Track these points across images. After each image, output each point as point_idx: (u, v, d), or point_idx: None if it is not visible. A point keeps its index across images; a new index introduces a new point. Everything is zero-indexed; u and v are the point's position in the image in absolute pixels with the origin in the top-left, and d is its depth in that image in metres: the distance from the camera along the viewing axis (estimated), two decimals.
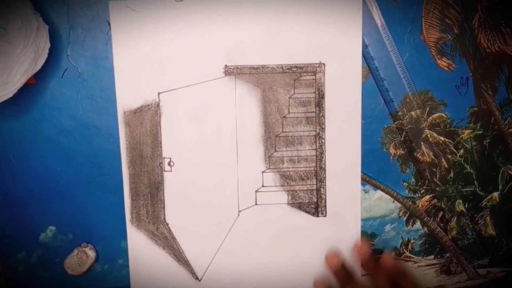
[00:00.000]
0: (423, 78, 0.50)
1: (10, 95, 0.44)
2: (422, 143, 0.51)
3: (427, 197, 0.52)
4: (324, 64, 0.49)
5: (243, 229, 0.51)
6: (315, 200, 0.51)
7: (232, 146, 0.50)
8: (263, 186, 0.51)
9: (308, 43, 0.48)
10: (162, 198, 0.50)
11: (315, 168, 0.51)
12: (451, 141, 0.51)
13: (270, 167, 0.51)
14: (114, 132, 0.49)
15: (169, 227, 0.50)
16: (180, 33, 0.47)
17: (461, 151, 0.51)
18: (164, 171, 0.50)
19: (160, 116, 0.49)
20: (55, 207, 0.51)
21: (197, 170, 0.50)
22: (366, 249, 0.50)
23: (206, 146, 0.50)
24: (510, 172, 0.52)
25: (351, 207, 0.51)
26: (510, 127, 0.51)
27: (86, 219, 0.50)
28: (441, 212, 0.52)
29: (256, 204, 0.51)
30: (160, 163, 0.49)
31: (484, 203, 0.52)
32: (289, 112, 0.50)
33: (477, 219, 0.52)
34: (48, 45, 0.45)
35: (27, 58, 0.44)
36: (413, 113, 0.50)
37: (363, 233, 0.52)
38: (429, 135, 0.51)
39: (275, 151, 0.51)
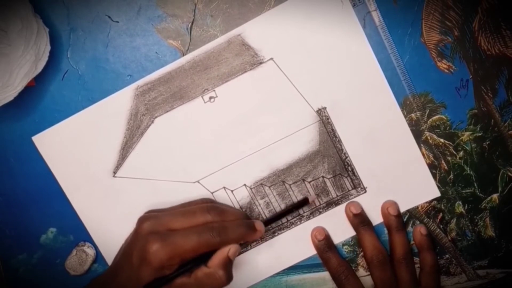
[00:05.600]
0: (423, 80, 0.50)
1: (11, 98, 0.44)
2: (422, 145, 0.51)
3: None
4: (365, 191, 0.51)
5: (180, 192, 0.51)
6: (241, 242, 0.51)
7: (254, 145, 0.50)
8: (232, 191, 0.51)
9: (378, 170, 0.51)
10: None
11: (270, 228, 0.52)
12: (451, 143, 0.51)
13: (252, 189, 0.51)
14: None
15: (149, 125, 0.50)
16: None
17: (461, 153, 0.51)
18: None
19: None
20: (56, 208, 0.51)
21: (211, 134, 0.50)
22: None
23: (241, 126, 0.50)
24: (509, 174, 0.52)
25: None
26: (510, 129, 0.51)
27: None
28: (441, 214, 0.52)
29: (212, 193, 0.51)
30: None
31: (484, 204, 0.52)
32: (309, 182, 0.51)
33: (476, 220, 0.53)
34: (49, 47, 0.45)
35: (27, 61, 0.44)
36: (413, 115, 0.50)
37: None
38: (429, 137, 0.51)
39: (269, 187, 0.51)
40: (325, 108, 0.50)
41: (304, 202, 0.50)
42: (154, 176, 0.50)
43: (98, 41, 0.48)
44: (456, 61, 0.50)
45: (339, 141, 0.50)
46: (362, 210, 0.51)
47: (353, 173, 0.51)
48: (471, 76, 0.50)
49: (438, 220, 0.52)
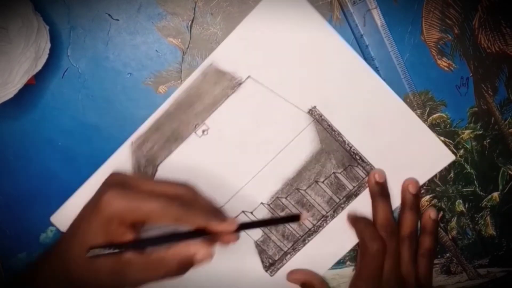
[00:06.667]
0: (424, 78, 0.50)
1: (10, 95, 0.44)
2: None
3: (427, 197, 0.52)
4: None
5: None
6: (276, 258, 0.52)
7: (259, 163, 0.50)
8: (251, 213, 0.51)
9: (385, 150, 0.50)
10: None
11: (299, 237, 0.52)
12: (451, 141, 0.51)
13: (270, 205, 0.51)
14: (115, 133, 0.49)
15: (154, 174, 0.50)
16: None
17: (461, 151, 0.51)
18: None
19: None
20: (56, 207, 0.51)
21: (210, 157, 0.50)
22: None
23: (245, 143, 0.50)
24: (510, 172, 0.52)
25: None
26: (511, 127, 0.51)
27: None
28: (441, 212, 0.52)
29: None
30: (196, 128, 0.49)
31: (484, 203, 0.52)
32: (322, 182, 0.51)
33: (477, 219, 0.52)
34: (49, 45, 0.45)
35: (27, 58, 0.44)
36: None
37: None
38: None
39: (285, 198, 0.51)
40: (315, 107, 0.50)
41: (295, 218, 0.47)
42: None
43: (98, 39, 0.48)
44: (456, 59, 0.50)
45: (339, 134, 0.50)
46: (385, 181, 0.50)
47: (362, 160, 0.51)
48: (471, 74, 0.50)
49: (438, 218, 0.52)
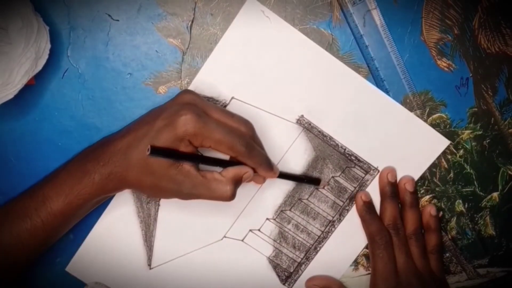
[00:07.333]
0: (423, 78, 0.50)
1: (11, 96, 0.44)
2: None
3: (427, 197, 0.52)
4: (378, 171, 0.50)
5: (214, 253, 0.52)
6: (291, 270, 0.52)
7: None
8: (259, 230, 0.52)
9: (379, 146, 0.50)
10: None
11: (310, 246, 0.52)
12: (451, 142, 0.51)
13: (276, 219, 0.52)
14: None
15: (157, 209, 0.51)
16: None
17: (461, 151, 0.51)
18: None
19: None
20: None
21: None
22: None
23: None
24: (510, 172, 0.52)
25: None
26: (510, 127, 0.51)
27: (86, 219, 0.50)
28: (441, 212, 0.52)
29: (242, 240, 0.52)
30: None
31: (484, 203, 0.52)
32: (323, 188, 0.51)
33: (476, 219, 0.53)
34: (49, 46, 0.45)
35: (28, 59, 0.44)
36: (413, 113, 0.50)
37: None
38: None
39: (290, 210, 0.51)
40: (302, 115, 0.50)
41: (315, 181, 0.51)
42: (184, 250, 0.51)
43: (98, 39, 0.48)
44: (456, 60, 0.50)
45: (330, 138, 0.50)
46: (396, 180, 0.51)
47: (358, 160, 0.51)
48: (471, 75, 0.50)
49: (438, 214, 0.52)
